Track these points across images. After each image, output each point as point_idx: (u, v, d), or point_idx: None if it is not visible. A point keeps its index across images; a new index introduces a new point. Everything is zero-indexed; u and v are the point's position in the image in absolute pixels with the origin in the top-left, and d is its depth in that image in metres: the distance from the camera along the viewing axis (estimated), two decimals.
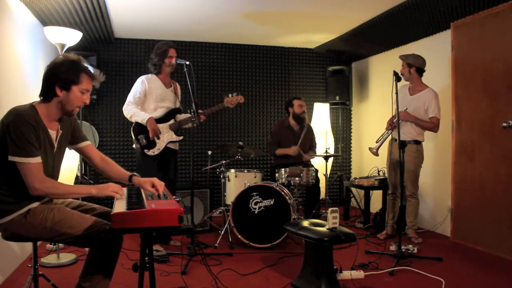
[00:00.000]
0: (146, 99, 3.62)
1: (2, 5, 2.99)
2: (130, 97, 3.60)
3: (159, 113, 3.64)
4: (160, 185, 2.13)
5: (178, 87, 3.90)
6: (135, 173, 2.24)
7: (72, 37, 3.48)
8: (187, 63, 3.39)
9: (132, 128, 3.62)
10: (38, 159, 1.90)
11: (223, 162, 4.22)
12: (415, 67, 3.81)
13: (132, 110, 3.54)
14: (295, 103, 4.60)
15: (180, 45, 5.39)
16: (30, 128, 1.88)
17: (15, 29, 3.26)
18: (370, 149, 3.97)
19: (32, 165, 1.87)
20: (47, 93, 1.99)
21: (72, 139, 2.22)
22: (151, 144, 3.59)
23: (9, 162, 1.87)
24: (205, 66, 5.50)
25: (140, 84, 3.60)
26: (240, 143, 4.21)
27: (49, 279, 2.49)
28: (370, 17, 4.28)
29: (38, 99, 2.04)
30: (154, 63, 3.65)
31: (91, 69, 2.05)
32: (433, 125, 3.77)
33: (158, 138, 3.61)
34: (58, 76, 1.96)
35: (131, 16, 4.28)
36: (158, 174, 3.64)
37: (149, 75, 3.68)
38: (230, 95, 3.76)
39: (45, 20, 3.87)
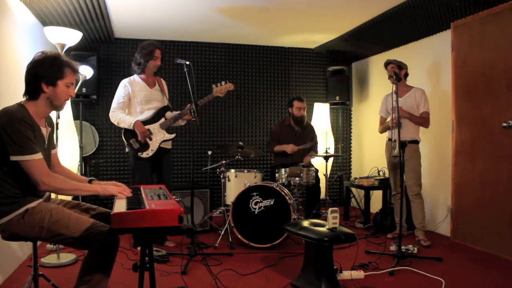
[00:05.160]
0: (131, 103, 3.59)
1: (2, 5, 2.99)
2: (114, 103, 3.57)
3: (146, 115, 3.59)
4: (123, 186, 2.14)
5: (164, 83, 3.83)
6: (93, 178, 2.28)
7: (72, 37, 3.47)
8: (187, 63, 3.36)
9: (123, 134, 3.58)
10: (40, 155, 1.91)
11: (223, 162, 4.22)
12: (405, 70, 3.95)
13: (118, 116, 3.51)
14: (295, 104, 4.58)
15: (180, 45, 5.39)
16: (27, 126, 1.89)
17: (15, 29, 3.26)
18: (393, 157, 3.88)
19: (36, 161, 1.88)
20: (33, 91, 2.00)
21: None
22: (144, 147, 3.55)
23: (4, 163, 1.87)
24: (205, 66, 5.50)
25: (123, 88, 3.58)
26: (240, 143, 4.21)
27: (49, 279, 2.48)
28: (370, 17, 4.27)
29: (23, 98, 2.05)
30: (138, 62, 3.60)
31: (72, 62, 2.09)
32: (424, 120, 3.87)
33: (150, 140, 3.56)
34: (43, 72, 1.98)
35: (131, 16, 4.28)
36: (152, 176, 3.65)
37: (131, 77, 3.65)
38: (218, 84, 3.65)
39: (45, 20, 3.87)
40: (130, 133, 3.54)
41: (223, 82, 3.66)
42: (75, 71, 2.09)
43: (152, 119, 3.61)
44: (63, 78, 2.02)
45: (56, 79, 2.00)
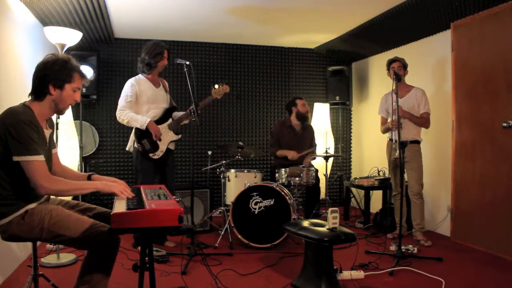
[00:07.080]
0: (137, 101, 3.56)
1: (2, 5, 2.99)
2: (122, 101, 3.51)
3: (153, 114, 3.59)
4: (123, 183, 2.14)
5: (166, 83, 3.85)
6: (93, 172, 2.29)
7: (72, 37, 3.47)
8: (187, 63, 3.36)
9: (133, 133, 3.57)
10: (42, 157, 1.90)
11: (223, 162, 4.22)
12: (407, 71, 3.96)
13: (128, 115, 3.47)
14: (299, 102, 4.59)
15: (180, 45, 5.39)
16: (33, 128, 1.90)
17: (15, 29, 3.26)
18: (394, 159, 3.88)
19: (38, 163, 1.87)
20: (40, 91, 2.00)
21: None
22: (155, 147, 3.57)
23: (6, 163, 1.87)
24: (205, 66, 5.50)
25: (130, 87, 3.54)
26: (240, 143, 4.21)
27: (49, 279, 2.49)
28: (370, 17, 4.28)
29: (28, 98, 2.05)
30: (148, 63, 3.56)
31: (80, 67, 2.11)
32: (425, 120, 3.87)
33: (160, 140, 3.58)
34: (52, 75, 1.98)
35: (131, 16, 4.28)
36: (156, 176, 3.65)
37: (137, 77, 3.62)
38: (216, 86, 3.65)
39: (45, 20, 3.87)
40: (141, 132, 3.52)
41: (220, 84, 3.66)
42: (83, 77, 2.10)
43: (161, 120, 3.62)
44: (71, 82, 2.03)
45: (64, 83, 2.01)
